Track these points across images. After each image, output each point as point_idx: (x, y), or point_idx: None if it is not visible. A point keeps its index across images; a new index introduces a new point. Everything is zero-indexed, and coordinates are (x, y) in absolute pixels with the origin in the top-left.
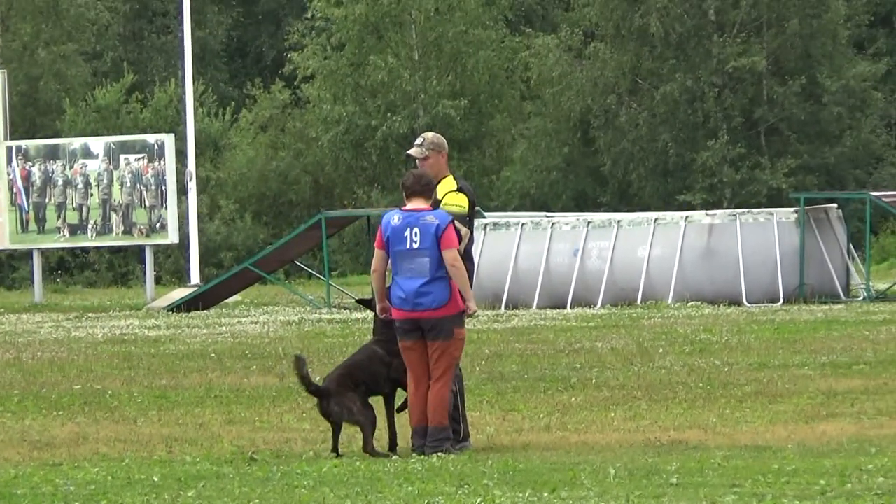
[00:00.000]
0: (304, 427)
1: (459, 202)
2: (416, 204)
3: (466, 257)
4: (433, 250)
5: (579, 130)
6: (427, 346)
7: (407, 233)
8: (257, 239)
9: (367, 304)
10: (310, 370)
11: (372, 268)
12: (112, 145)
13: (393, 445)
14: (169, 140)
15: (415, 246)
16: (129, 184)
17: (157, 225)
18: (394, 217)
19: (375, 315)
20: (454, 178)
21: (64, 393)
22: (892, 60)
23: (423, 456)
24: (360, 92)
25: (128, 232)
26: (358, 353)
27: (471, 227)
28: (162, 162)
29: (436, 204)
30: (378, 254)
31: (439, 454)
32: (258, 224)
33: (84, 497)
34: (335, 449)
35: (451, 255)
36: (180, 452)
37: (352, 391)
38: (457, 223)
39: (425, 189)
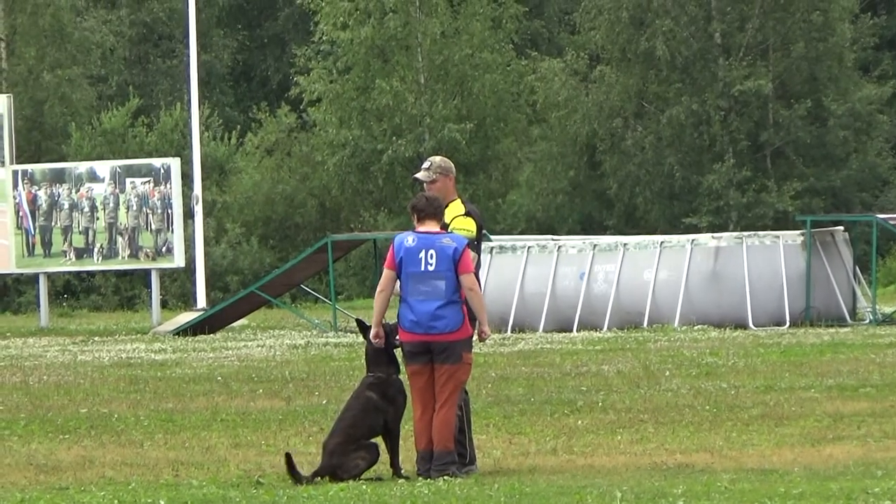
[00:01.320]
0: (310, 451)
1: (467, 226)
2: (429, 227)
3: None
4: (449, 273)
5: (585, 154)
6: (434, 369)
7: (422, 255)
8: (263, 262)
9: (364, 328)
10: (297, 466)
11: (379, 288)
12: (118, 169)
13: (397, 471)
14: (175, 164)
15: (430, 268)
16: (135, 207)
17: (164, 249)
18: (408, 238)
19: (368, 346)
20: (462, 201)
21: (70, 417)
22: None
23: (429, 480)
24: (366, 116)
25: (134, 256)
26: (353, 406)
27: (478, 251)
28: (168, 186)
29: (444, 228)
30: (388, 274)
31: (445, 478)
32: (264, 248)
33: None
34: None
35: (470, 280)
36: (186, 476)
37: (353, 451)
38: None
39: (437, 212)
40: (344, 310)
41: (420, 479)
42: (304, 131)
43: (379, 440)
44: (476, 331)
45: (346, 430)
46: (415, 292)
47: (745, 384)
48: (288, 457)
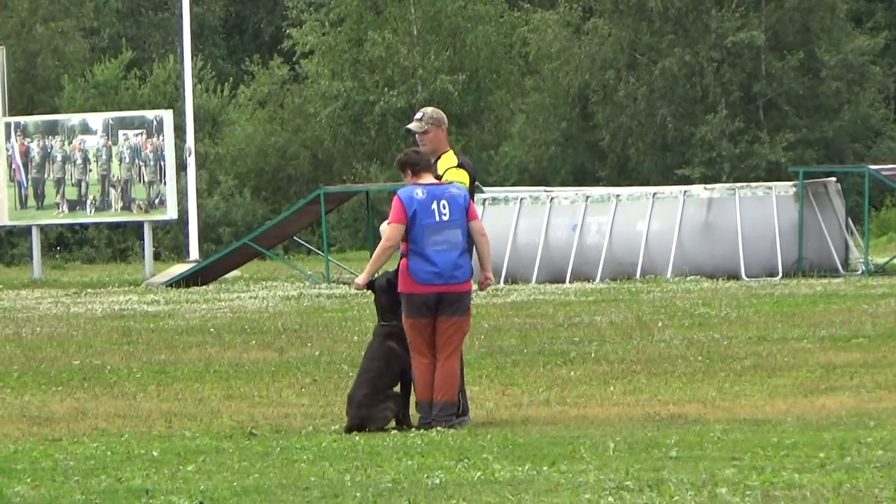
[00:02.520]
0: (302, 402)
1: (460, 178)
2: (428, 179)
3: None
4: (462, 222)
5: (578, 105)
6: (438, 321)
7: (434, 206)
8: (256, 214)
9: (372, 287)
10: None
11: (389, 243)
12: (111, 121)
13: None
14: (168, 116)
15: (444, 218)
16: (127, 160)
17: (156, 201)
18: (417, 191)
19: (381, 296)
20: (455, 153)
21: (63, 368)
22: (890, 34)
23: (421, 431)
24: (359, 67)
25: (127, 208)
26: (376, 357)
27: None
28: (161, 138)
29: (437, 178)
30: (398, 228)
31: (439, 428)
32: (257, 199)
33: (84, 472)
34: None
35: (479, 225)
36: (179, 427)
37: (381, 402)
38: None
39: (430, 164)
40: (337, 261)
41: (413, 430)
42: (297, 83)
43: None
44: (480, 278)
45: (372, 381)
46: (432, 243)
47: (738, 335)
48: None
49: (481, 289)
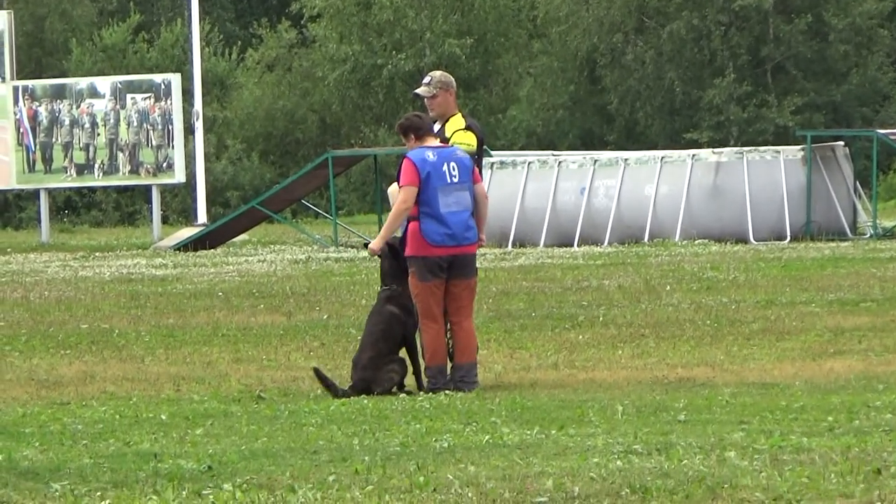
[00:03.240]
0: (311, 365)
1: (468, 140)
2: (433, 142)
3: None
4: (470, 184)
5: (586, 69)
6: (451, 285)
7: (445, 168)
8: (264, 178)
9: (395, 252)
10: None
11: (404, 205)
12: (119, 85)
13: (421, 385)
14: (175, 80)
15: (455, 180)
16: (135, 123)
17: (164, 164)
18: (427, 153)
19: (385, 261)
20: (463, 115)
21: (71, 332)
22: None
23: (462, 392)
24: (367, 31)
25: (134, 171)
26: (378, 321)
27: (479, 165)
28: (169, 101)
29: (444, 142)
30: (412, 190)
31: (447, 392)
32: (265, 163)
33: (92, 435)
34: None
35: (482, 188)
36: (188, 391)
37: (385, 365)
38: None
39: (432, 129)
40: (345, 225)
41: (421, 393)
42: (305, 47)
43: None
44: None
45: (375, 343)
46: (446, 205)
47: (746, 298)
48: (316, 371)
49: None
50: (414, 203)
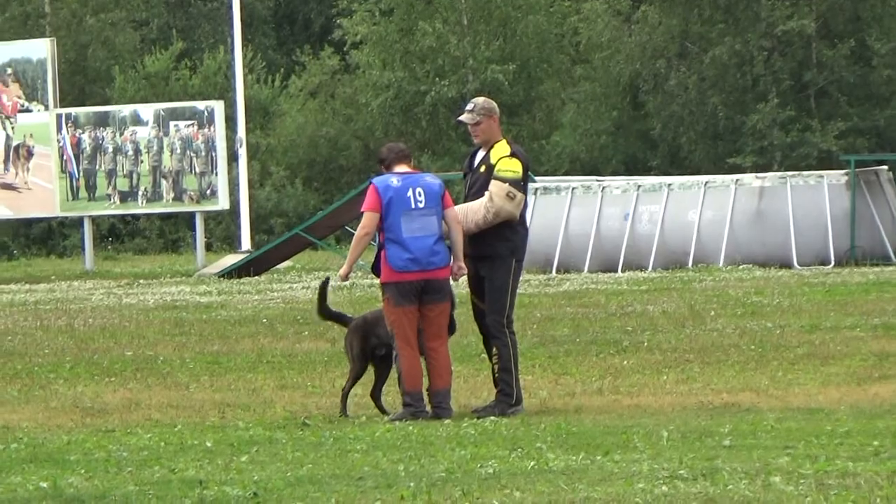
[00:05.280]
0: (356, 392)
1: (513, 167)
2: (405, 168)
3: (521, 222)
4: (438, 209)
5: (629, 94)
6: (425, 310)
7: (409, 193)
8: (308, 205)
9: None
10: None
11: (363, 231)
12: (162, 112)
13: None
14: (219, 107)
15: (420, 205)
16: (179, 150)
17: (208, 191)
18: (392, 179)
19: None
20: (507, 142)
21: (116, 359)
22: None
23: (445, 420)
24: (409, 57)
25: (178, 198)
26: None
27: (524, 191)
28: (212, 128)
29: (490, 169)
30: (372, 217)
31: (492, 418)
32: (309, 190)
33: (137, 463)
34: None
35: (455, 213)
36: (233, 418)
37: (360, 336)
38: (511, 187)
39: (409, 155)
40: None
41: (442, 419)
42: (348, 73)
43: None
44: (454, 268)
45: (367, 316)
46: (409, 230)
47: (791, 323)
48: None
49: (454, 279)
50: (377, 229)
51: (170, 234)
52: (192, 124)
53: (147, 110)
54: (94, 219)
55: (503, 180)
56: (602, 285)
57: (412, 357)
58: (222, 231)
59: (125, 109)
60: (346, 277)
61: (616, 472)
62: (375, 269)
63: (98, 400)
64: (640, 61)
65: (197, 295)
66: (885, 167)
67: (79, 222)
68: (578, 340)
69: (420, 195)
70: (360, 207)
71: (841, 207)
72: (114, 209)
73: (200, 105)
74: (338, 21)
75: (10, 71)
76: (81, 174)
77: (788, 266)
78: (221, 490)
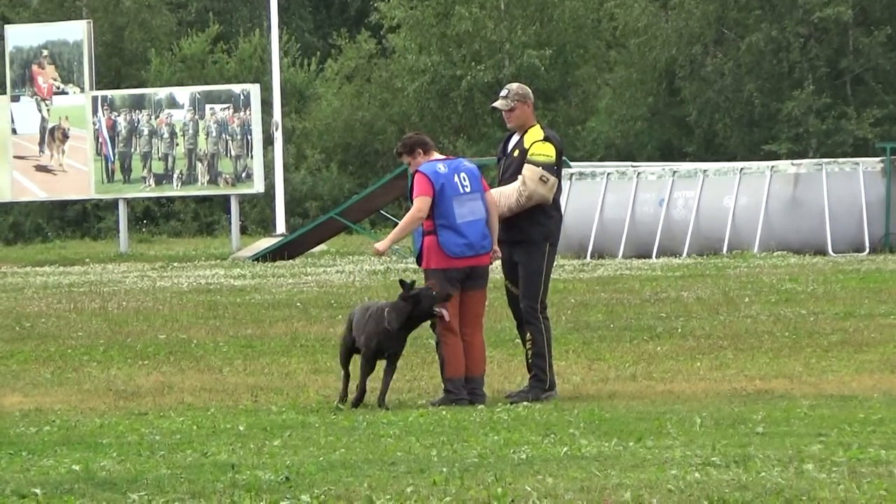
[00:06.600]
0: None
1: (547, 152)
2: (437, 156)
3: (555, 207)
4: (481, 192)
5: (664, 80)
6: (466, 296)
7: (456, 179)
8: (343, 188)
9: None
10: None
11: (419, 214)
12: (198, 95)
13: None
14: (255, 90)
15: (467, 190)
16: (214, 133)
17: (243, 175)
18: (439, 166)
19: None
20: (541, 127)
21: (149, 342)
22: None
23: (478, 406)
24: (446, 42)
25: (213, 182)
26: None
27: (558, 176)
28: (248, 112)
29: (523, 153)
30: (426, 200)
31: (525, 403)
32: (344, 174)
33: (170, 446)
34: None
35: (493, 196)
36: (266, 402)
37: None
38: (544, 171)
39: (434, 144)
40: None
41: (477, 405)
42: (384, 58)
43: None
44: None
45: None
46: (461, 215)
47: (825, 310)
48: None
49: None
50: (427, 215)
51: (204, 217)
52: (228, 107)
53: (183, 93)
54: (128, 201)
55: (536, 164)
56: (636, 271)
57: (455, 344)
58: (257, 214)
59: (161, 92)
60: (382, 253)
61: (649, 459)
62: (420, 259)
63: (131, 383)
64: (676, 47)
65: (231, 278)
66: None
67: (114, 205)
68: (612, 326)
69: (465, 179)
70: (395, 192)
71: (876, 195)
72: (149, 192)
73: (236, 88)
74: (374, 4)
75: (45, 53)
76: (117, 157)
77: (823, 253)
78: (254, 474)
